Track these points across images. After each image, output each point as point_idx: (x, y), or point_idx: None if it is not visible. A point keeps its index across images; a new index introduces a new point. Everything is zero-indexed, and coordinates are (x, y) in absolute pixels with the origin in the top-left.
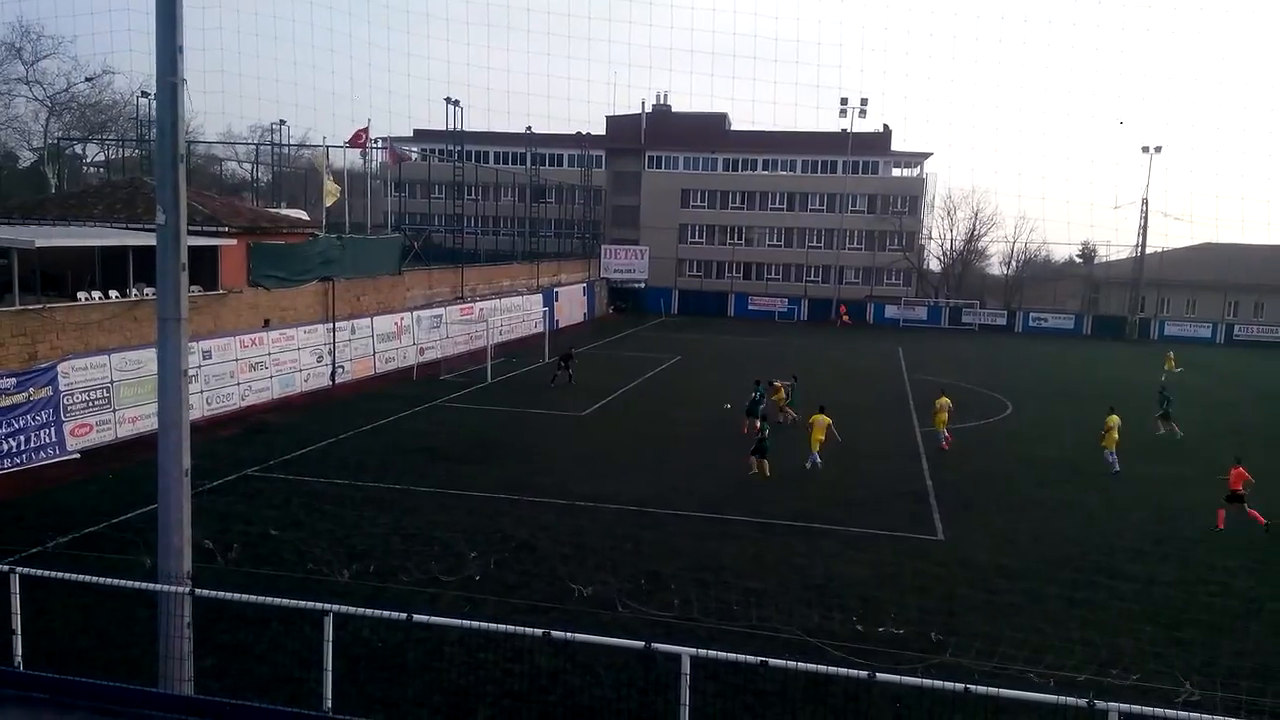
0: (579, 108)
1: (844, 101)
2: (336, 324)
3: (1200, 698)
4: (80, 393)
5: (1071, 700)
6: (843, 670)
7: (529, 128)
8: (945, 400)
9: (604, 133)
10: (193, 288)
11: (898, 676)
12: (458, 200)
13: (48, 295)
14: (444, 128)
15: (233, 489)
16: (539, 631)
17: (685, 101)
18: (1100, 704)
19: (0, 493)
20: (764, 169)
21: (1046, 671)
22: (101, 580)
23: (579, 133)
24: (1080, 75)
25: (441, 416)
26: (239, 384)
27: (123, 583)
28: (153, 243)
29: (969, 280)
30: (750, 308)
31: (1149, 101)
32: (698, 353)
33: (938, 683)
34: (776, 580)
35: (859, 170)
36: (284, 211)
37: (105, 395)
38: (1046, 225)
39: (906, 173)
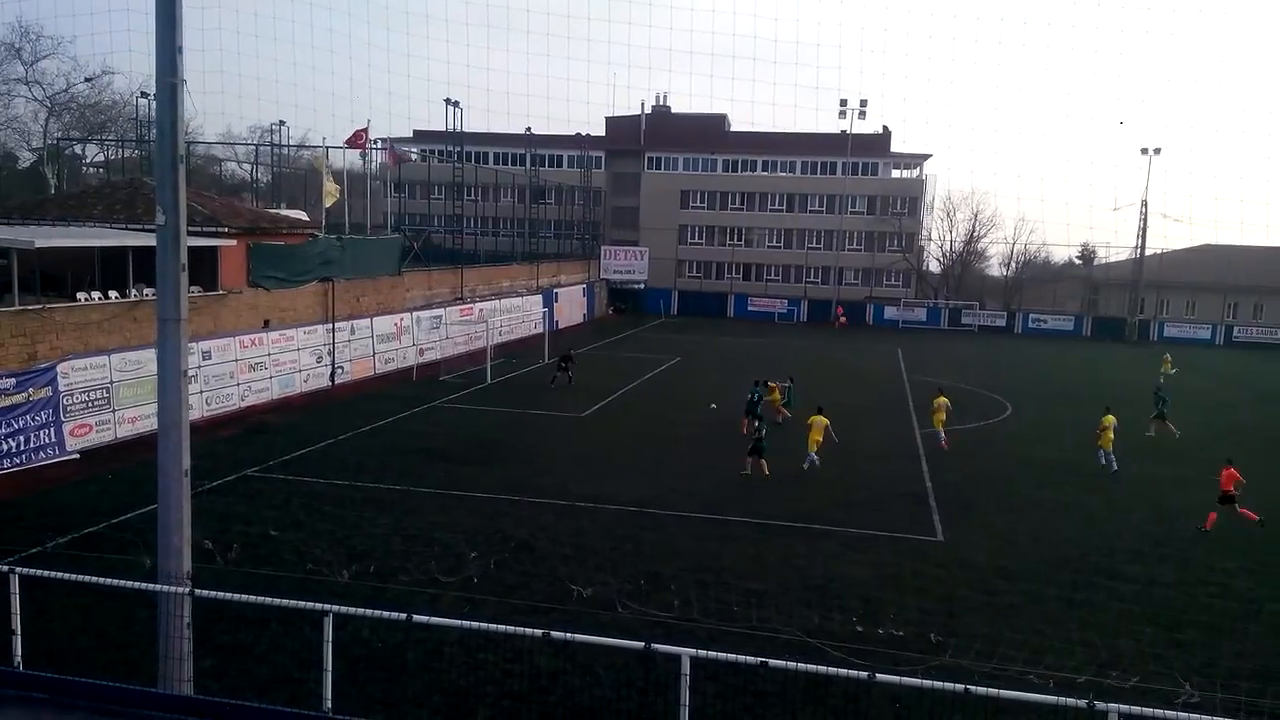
0: (578, 109)
1: (843, 103)
2: (336, 324)
3: (1200, 699)
4: (80, 393)
5: (1071, 701)
6: (843, 671)
7: (528, 129)
8: (943, 400)
9: (603, 134)
10: (192, 288)
11: (898, 677)
12: (457, 201)
13: (47, 295)
14: (443, 128)
15: (232, 489)
16: (539, 632)
17: (685, 102)
18: (1100, 705)
19: (0, 493)
20: (763, 170)
21: (1046, 672)
22: (101, 580)
23: (578, 134)
24: (1080, 77)
25: (441, 417)
26: (239, 384)
27: (122, 583)
28: (152, 243)
29: (968, 282)
30: (750, 309)
31: (1148, 103)
32: (697, 354)
33: (938, 683)
34: (776, 581)
35: (858, 171)
36: (284, 212)
37: (105, 395)
38: (1046, 227)
39: (906, 174)
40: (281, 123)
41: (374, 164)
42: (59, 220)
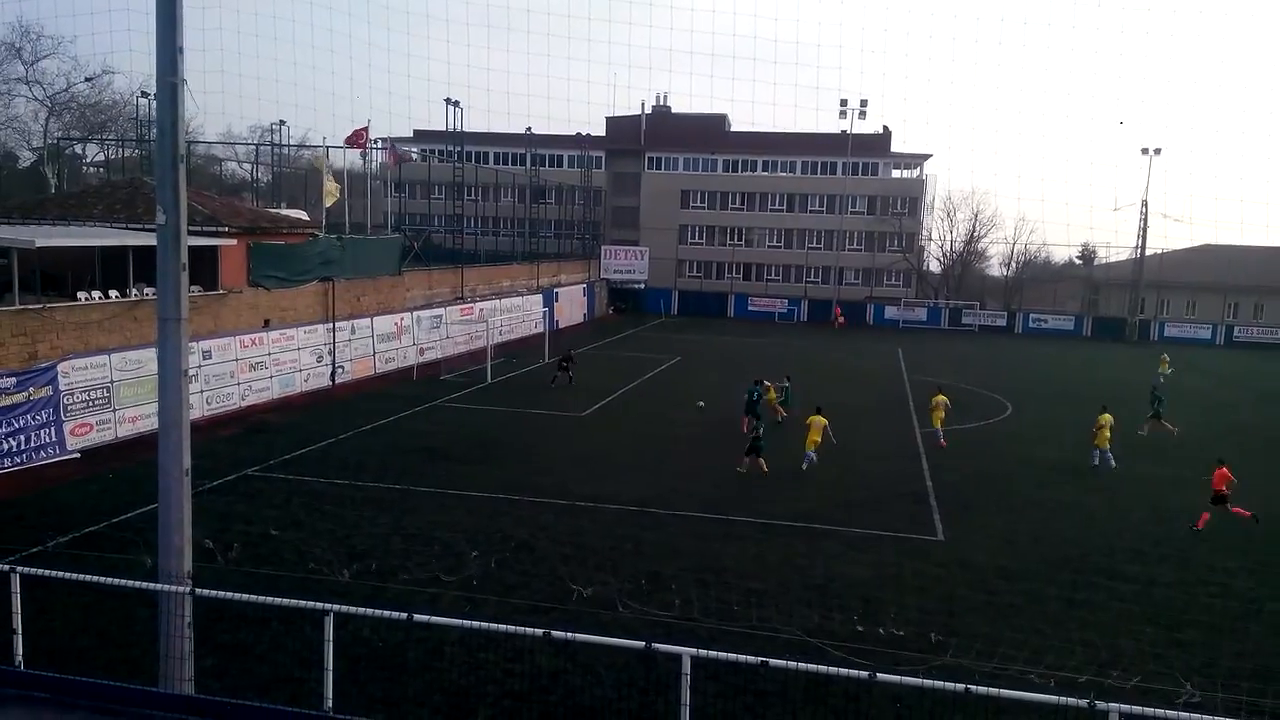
0: (579, 109)
1: (844, 103)
2: (336, 324)
3: (1201, 699)
4: (80, 392)
5: (1072, 701)
6: (843, 671)
7: (529, 128)
8: (942, 398)
9: (604, 134)
10: (193, 288)
11: (898, 677)
12: (458, 201)
13: (48, 295)
14: (444, 128)
15: (233, 489)
16: (539, 631)
17: (685, 102)
18: (1101, 705)
19: (0, 492)
20: (764, 170)
21: (1047, 672)
22: (102, 580)
23: (579, 134)
24: (1080, 77)
25: (441, 416)
26: (239, 384)
27: (123, 582)
28: (153, 243)
29: (969, 281)
30: (750, 309)
31: (1148, 104)
32: (698, 354)
33: (938, 683)
34: (777, 581)
35: (859, 171)
36: (284, 212)
37: (105, 395)
38: (1046, 227)
39: (906, 174)
40: (282, 122)
41: (374, 164)
42: (59, 220)
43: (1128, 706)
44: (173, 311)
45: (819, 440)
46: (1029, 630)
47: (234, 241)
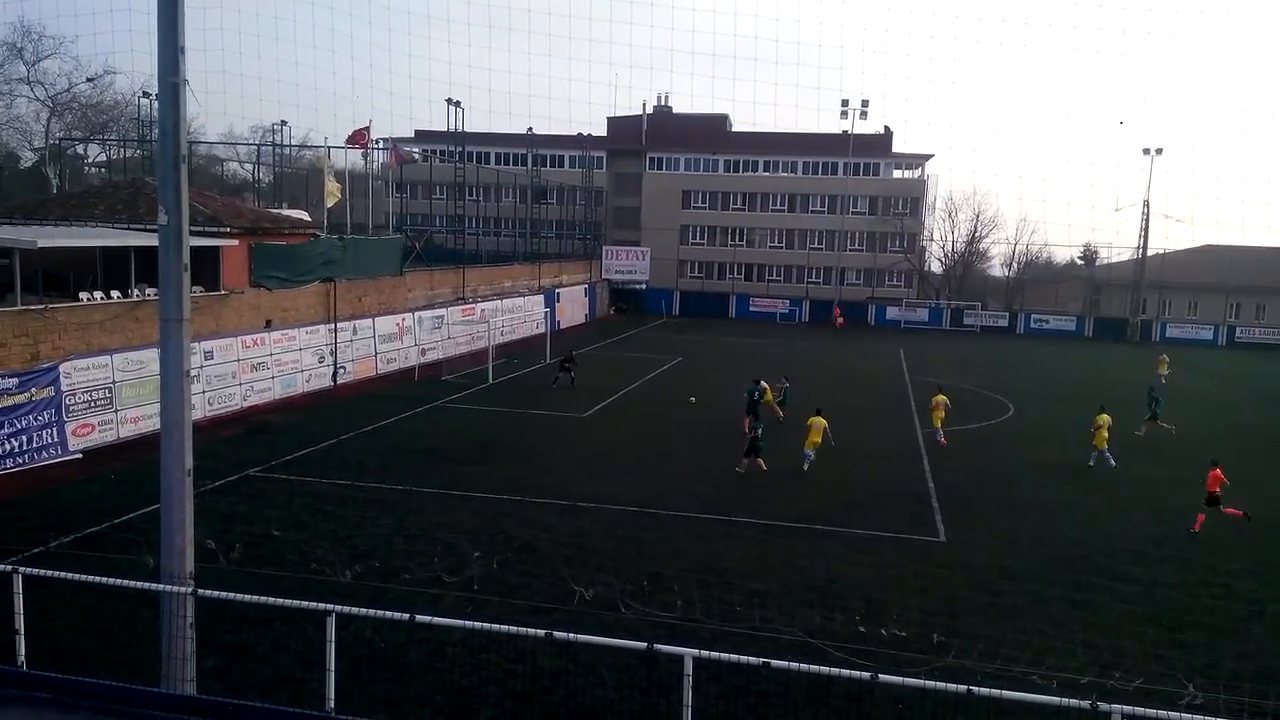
0: (580, 109)
1: (845, 103)
2: (338, 324)
3: (1203, 700)
4: (82, 393)
5: (1074, 702)
6: (845, 672)
7: (530, 129)
8: (942, 398)
9: (605, 134)
10: (195, 288)
11: (900, 678)
12: (459, 201)
13: (50, 295)
14: (445, 129)
15: (235, 489)
16: (541, 632)
17: (686, 103)
18: (1103, 706)
19: (2, 492)
20: (765, 170)
21: (1049, 673)
22: (104, 580)
23: (580, 134)
24: (1081, 78)
25: (443, 417)
26: (241, 384)
27: (125, 583)
28: (154, 243)
29: (970, 282)
30: (751, 309)
31: (1150, 104)
32: (699, 354)
33: (940, 684)
34: (779, 581)
35: (860, 172)
36: (285, 212)
37: (107, 395)
38: (1048, 227)
39: (908, 174)
40: (283, 123)
41: (376, 164)
42: (61, 220)
43: (1130, 708)
44: (175, 312)
45: (819, 441)
46: (1031, 631)
47: (236, 242)
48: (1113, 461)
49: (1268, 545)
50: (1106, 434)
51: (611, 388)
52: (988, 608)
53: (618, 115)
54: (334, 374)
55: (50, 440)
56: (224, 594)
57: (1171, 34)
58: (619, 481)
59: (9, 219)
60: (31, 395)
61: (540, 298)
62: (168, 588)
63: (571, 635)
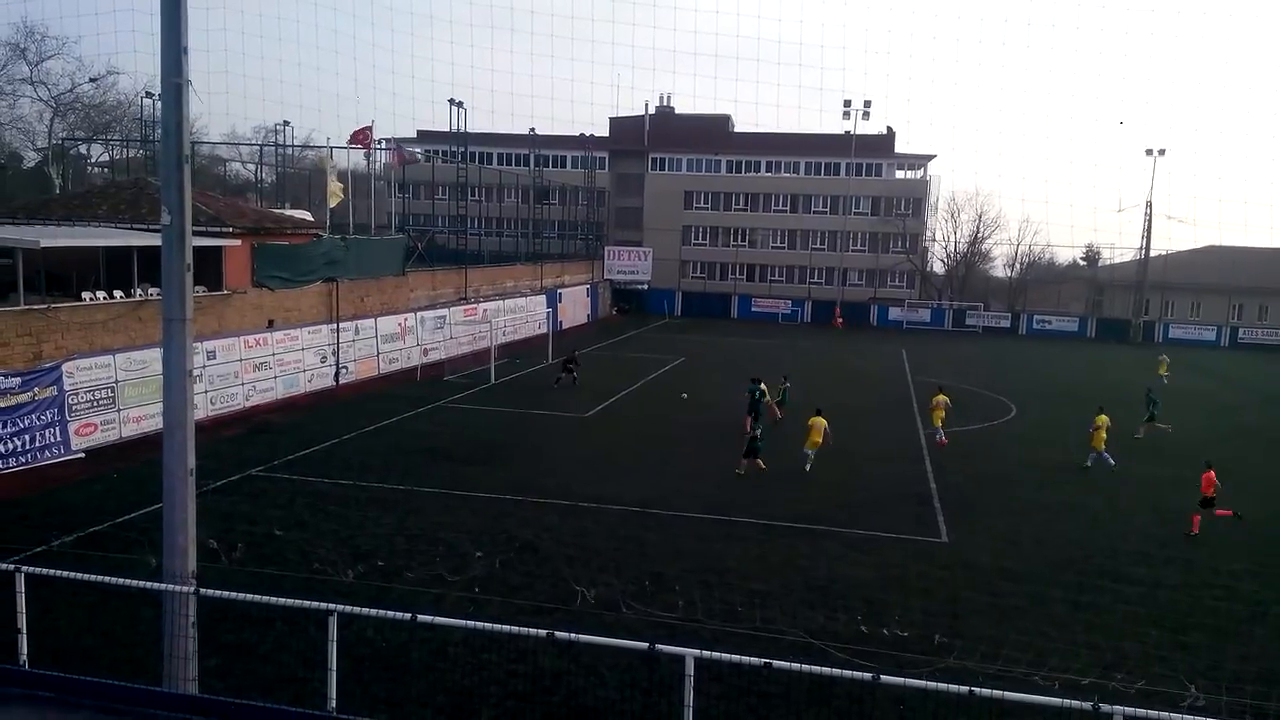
0: (582, 109)
1: (847, 104)
2: (340, 324)
3: (1205, 702)
4: (85, 392)
5: (1076, 703)
6: (847, 672)
7: (532, 129)
8: (943, 398)
9: (607, 134)
10: (197, 288)
11: (902, 679)
12: (461, 201)
13: (53, 295)
14: (448, 129)
15: (237, 489)
16: (543, 632)
17: (688, 103)
18: (1105, 707)
19: (5, 492)
20: (767, 171)
21: (1051, 675)
22: (106, 579)
23: (582, 134)
24: (1084, 79)
25: (445, 417)
26: (243, 384)
27: (127, 582)
28: (157, 243)
29: (973, 283)
30: (754, 310)
31: (1152, 105)
32: (701, 354)
33: (942, 685)
34: (780, 582)
35: (862, 172)
36: (288, 212)
37: (110, 395)
38: (1050, 228)
39: (910, 175)
40: (286, 123)
41: (378, 164)
42: (64, 220)
43: (1132, 709)
44: (177, 312)
45: (819, 441)
46: (1033, 632)
47: (238, 242)
48: (1111, 461)
49: (1269, 546)
50: (1104, 435)
51: (613, 388)
52: (990, 609)
53: (620, 116)
54: (336, 374)
55: (53, 439)
56: (226, 593)
57: (1174, 35)
58: (621, 482)
59: (12, 219)
60: (34, 395)
61: (542, 298)
62: (170, 587)
63: (573, 635)
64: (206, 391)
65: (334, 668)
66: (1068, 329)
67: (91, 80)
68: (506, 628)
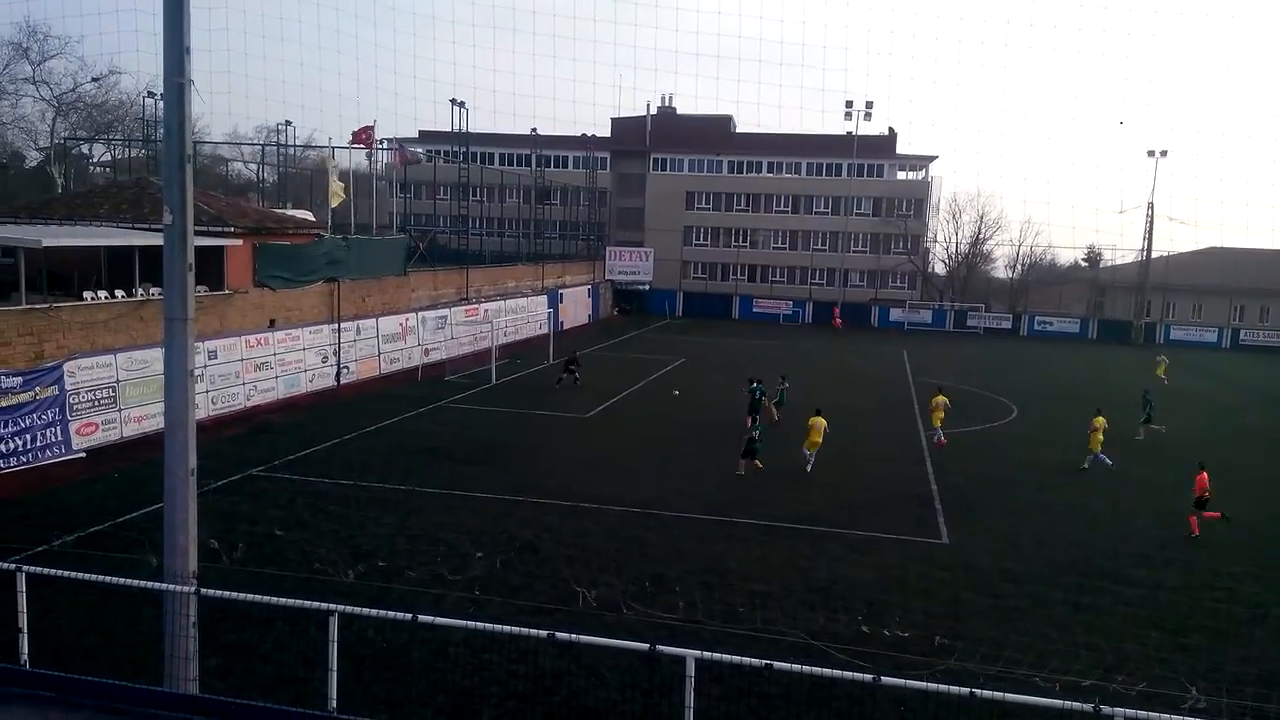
0: (584, 110)
1: (849, 104)
2: (342, 324)
3: (1206, 704)
4: (86, 392)
5: (1077, 705)
6: (847, 673)
7: (534, 129)
8: (943, 399)
9: (609, 135)
10: (199, 288)
11: (902, 680)
12: (463, 201)
13: (54, 295)
14: (449, 129)
15: (238, 489)
16: (543, 633)
17: (690, 104)
18: (1106, 709)
19: (6, 491)
20: (769, 171)
21: (1052, 676)
22: (107, 579)
23: (584, 135)
24: (1085, 80)
25: (446, 417)
26: (244, 384)
27: (128, 582)
28: (159, 243)
29: (974, 284)
30: (755, 310)
31: (1154, 107)
32: (702, 355)
33: (943, 687)
34: (781, 583)
35: (864, 173)
36: (290, 212)
37: (111, 394)
38: (1052, 229)
39: (912, 176)
40: (288, 123)
41: (380, 164)
42: (66, 220)
43: (1133, 711)
44: (179, 311)
45: (819, 441)
46: (1034, 634)
47: (240, 242)
48: (1108, 462)
49: (1270, 548)
50: (1101, 437)
51: (614, 388)
52: (990, 610)
53: (622, 116)
54: (337, 374)
55: (54, 439)
56: (227, 593)
57: (1177, 36)
58: (621, 482)
59: (14, 218)
60: (36, 394)
61: (544, 298)
62: (171, 587)
63: (574, 636)
64: (208, 391)
65: (335, 668)
66: (1069, 330)
67: (94, 80)
68: (507, 628)
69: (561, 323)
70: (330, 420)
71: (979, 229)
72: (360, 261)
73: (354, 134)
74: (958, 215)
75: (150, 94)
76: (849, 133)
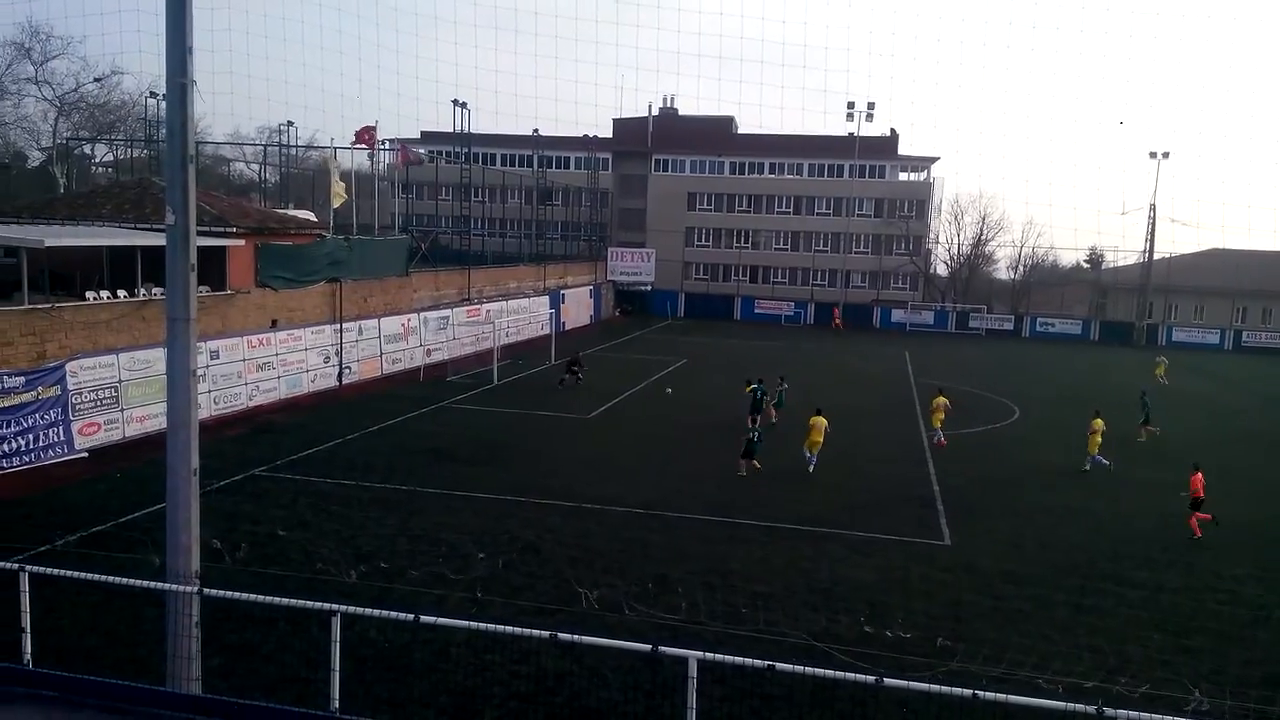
0: (586, 110)
1: (851, 105)
2: (343, 325)
3: (1209, 706)
4: (88, 392)
5: (1080, 707)
6: (850, 675)
7: (536, 130)
8: (943, 399)
9: (610, 135)
10: (201, 288)
11: (905, 682)
12: (465, 202)
13: (56, 295)
14: (451, 130)
15: (240, 489)
16: (546, 633)
17: (692, 105)
18: (1109, 711)
19: (9, 491)
20: (771, 172)
21: (1054, 678)
22: (110, 579)
23: (586, 135)
24: (1087, 82)
25: (448, 418)
26: (246, 384)
27: (131, 581)
28: (161, 243)
29: (976, 285)
30: (756, 311)
31: (1156, 108)
32: (704, 356)
33: (945, 688)
34: (783, 584)
35: (866, 174)
36: (292, 212)
37: (113, 394)
38: (1054, 231)
39: (914, 177)
40: (290, 123)
41: (382, 165)
42: (68, 220)
43: (1136, 713)
44: (181, 311)
45: (820, 441)
46: (1036, 636)
47: (242, 242)
48: (1106, 462)
49: (1272, 550)
50: (1099, 439)
51: (616, 389)
52: (992, 612)
53: (623, 117)
54: (339, 374)
55: (56, 439)
56: (229, 593)
57: (1178, 38)
58: (623, 483)
59: (16, 218)
60: (38, 394)
61: (545, 299)
62: (173, 587)
63: (576, 637)
64: (210, 391)
65: (337, 668)
66: (1071, 332)
67: (96, 80)
68: (509, 629)
69: (563, 323)
70: (332, 420)
71: (981, 230)
72: (362, 262)
73: (356, 134)
74: (959, 216)
75: (152, 94)
76: (851, 134)
